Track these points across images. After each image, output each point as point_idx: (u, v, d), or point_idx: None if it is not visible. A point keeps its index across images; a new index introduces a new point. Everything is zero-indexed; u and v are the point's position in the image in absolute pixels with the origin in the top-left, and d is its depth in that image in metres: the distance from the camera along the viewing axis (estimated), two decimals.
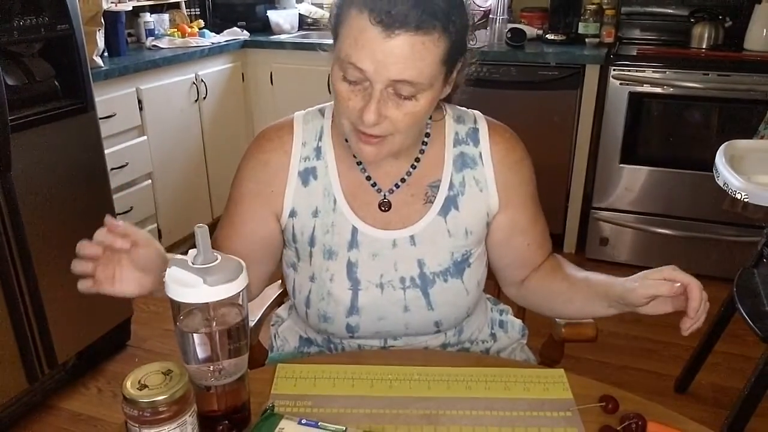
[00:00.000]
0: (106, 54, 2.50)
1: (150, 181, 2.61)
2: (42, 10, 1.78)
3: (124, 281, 0.82)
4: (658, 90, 2.52)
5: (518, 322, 1.20)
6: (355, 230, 0.99)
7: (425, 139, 1.01)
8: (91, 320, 2.04)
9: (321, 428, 0.76)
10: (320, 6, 3.58)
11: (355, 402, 0.85)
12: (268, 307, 1.21)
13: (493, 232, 1.05)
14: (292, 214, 1.00)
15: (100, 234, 0.79)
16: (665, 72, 2.48)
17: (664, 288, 0.85)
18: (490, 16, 2.94)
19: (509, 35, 2.80)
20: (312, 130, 1.01)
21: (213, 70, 2.92)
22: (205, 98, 2.85)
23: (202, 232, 0.72)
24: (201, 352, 0.74)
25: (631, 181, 2.68)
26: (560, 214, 2.87)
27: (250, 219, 1.02)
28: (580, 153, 2.78)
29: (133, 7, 2.83)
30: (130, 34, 2.90)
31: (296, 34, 3.40)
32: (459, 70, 0.91)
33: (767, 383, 1.55)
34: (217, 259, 0.73)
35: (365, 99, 0.83)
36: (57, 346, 1.91)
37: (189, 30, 3.01)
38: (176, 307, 0.72)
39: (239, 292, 0.73)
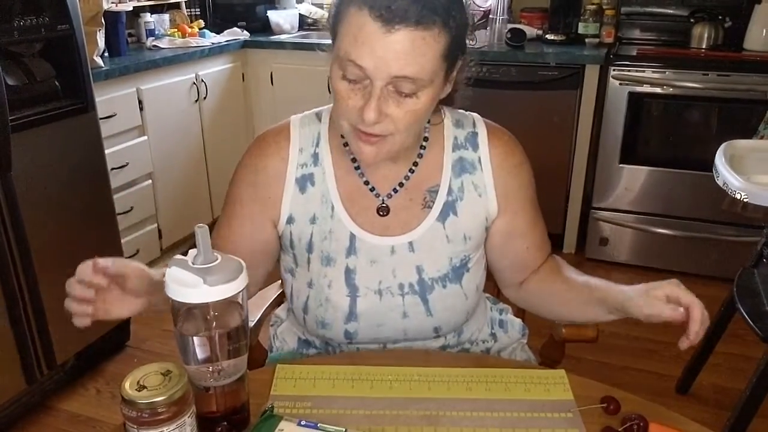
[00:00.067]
0: (106, 54, 2.50)
1: (150, 181, 2.61)
2: (42, 10, 1.78)
3: (116, 309, 0.83)
4: (657, 90, 2.51)
5: (518, 321, 1.20)
6: (353, 237, 0.98)
7: (423, 143, 1.00)
8: None
9: (321, 429, 0.76)
10: (320, 6, 3.58)
11: (355, 403, 0.85)
12: (267, 307, 1.21)
13: (491, 236, 1.05)
14: (290, 220, 1.00)
15: (86, 273, 0.79)
16: (665, 72, 2.48)
17: (667, 312, 0.84)
18: (490, 16, 2.94)
19: (509, 35, 2.80)
20: (309, 136, 1.00)
21: (213, 70, 2.91)
22: (205, 98, 2.85)
23: (202, 232, 0.72)
24: (200, 353, 0.74)
25: (631, 181, 2.68)
26: (560, 214, 2.87)
27: (248, 222, 1.01)
28: (579, 153, 2.78)
29: (134, 7, 2.83)
30: (130, 35, 2.90)
31: (296, 35, 3.40)
32: (459, 70, 0.91)
33: None
34: (217, 259, 0.73)
35: (365, 98, 0.83)
36: (56, 347, 1.90)
37: (189, 30, 3.01)
38: (176, 307, 0.72)
39: (239, 292, 0.72)
